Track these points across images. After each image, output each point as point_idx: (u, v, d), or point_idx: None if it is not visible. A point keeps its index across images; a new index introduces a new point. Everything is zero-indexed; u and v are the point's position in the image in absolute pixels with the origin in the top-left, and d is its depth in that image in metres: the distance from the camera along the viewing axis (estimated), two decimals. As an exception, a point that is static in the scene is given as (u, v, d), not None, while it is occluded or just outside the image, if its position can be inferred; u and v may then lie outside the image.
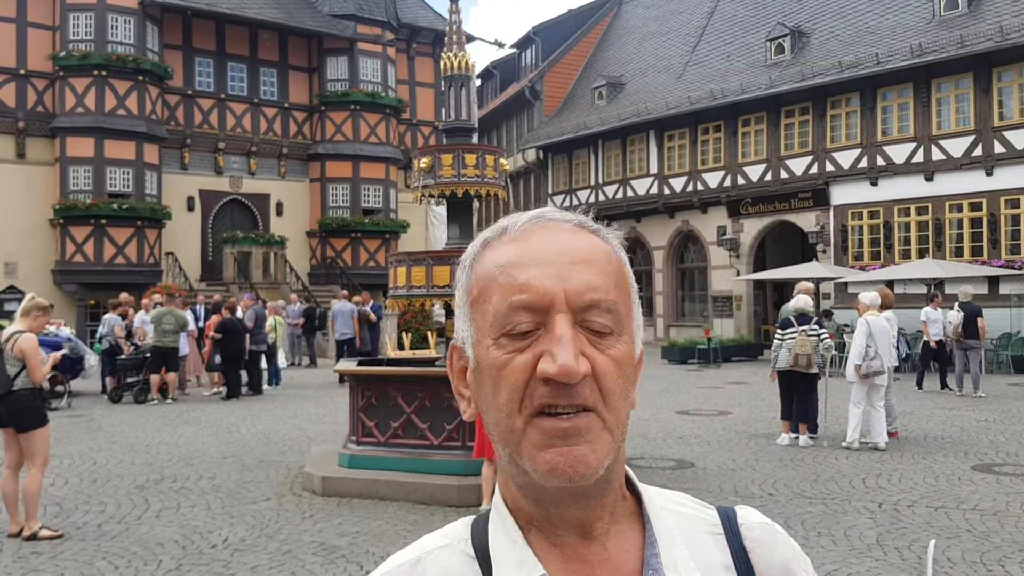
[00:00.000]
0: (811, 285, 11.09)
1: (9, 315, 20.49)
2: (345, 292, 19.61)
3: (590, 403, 0.79)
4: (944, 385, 15.28)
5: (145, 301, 16.68)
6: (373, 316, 18.70)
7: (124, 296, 17.11)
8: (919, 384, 15.55)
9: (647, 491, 0.91)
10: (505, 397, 0.81)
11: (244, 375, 15.69)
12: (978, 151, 20.63)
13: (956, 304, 14.71)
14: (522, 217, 0.88)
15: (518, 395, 0.80)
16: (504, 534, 0.86)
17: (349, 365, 9.25)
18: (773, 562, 0.91)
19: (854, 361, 9.65)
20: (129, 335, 15.50)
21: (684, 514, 0.91)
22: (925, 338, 15.50)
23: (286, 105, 29.16)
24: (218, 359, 15.19)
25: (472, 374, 0.86)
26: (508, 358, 0.81)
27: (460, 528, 0.91)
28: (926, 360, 15.80)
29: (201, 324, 17.04)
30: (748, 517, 0.93)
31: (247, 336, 15.40)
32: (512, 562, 0.84)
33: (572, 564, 0.85)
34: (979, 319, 14.28)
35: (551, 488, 0.81)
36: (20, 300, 19.30)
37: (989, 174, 20.46)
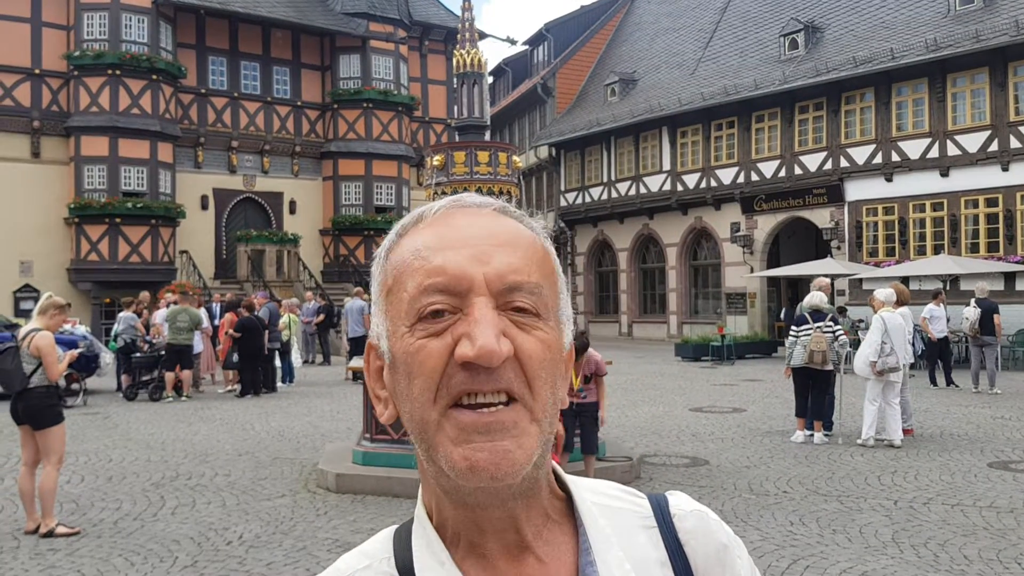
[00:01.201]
0: (827, 281, 11.04)
1: (25, 313, 20.66)
2: (358, 289, 19.62)
3: (515, 389, 0.74)
4: (950, 381, 15.22)
5: (162, 300, 16.78)
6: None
7: (143, 295, 17.22)
8: (933, 381, 15.45)
9: (576, 487, 0.85)
10: (420, 386, 0.75)
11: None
12: (994, 146, 20.47)
13: (973, 300, 14.62)
14: (439, 203, 0.83)
15: (433, 383, 0.74)
16: (430, 553, 0.79)
17: (361, 363, 9.26)
18: (708, 553, 0.86)
19: (870, 358, 9.59)
20: (147, 327, 15.60)
21: (616, 508, 0.86)
22: (927, 335, 15.43)
23: (299, 103, 29.24)
24: (235, 357, 15.25)
25: (388, 371, 0.80)
26: (422, 344, 0.75)
27: (380, 545, 0.84)
28: (932, 357, 15.72)
29: (216, 322, 17.11)
30: (680, 506, 0.88)
31: (265, 334, 15.48)
32: None
33: None
34: (996, 315, 14.19)
35: (472, 489, 0.75)
36: (36, 298, 19.39)
37: (1005, 169, 20.30)
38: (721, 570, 0.86)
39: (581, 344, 7.09)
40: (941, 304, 15.56)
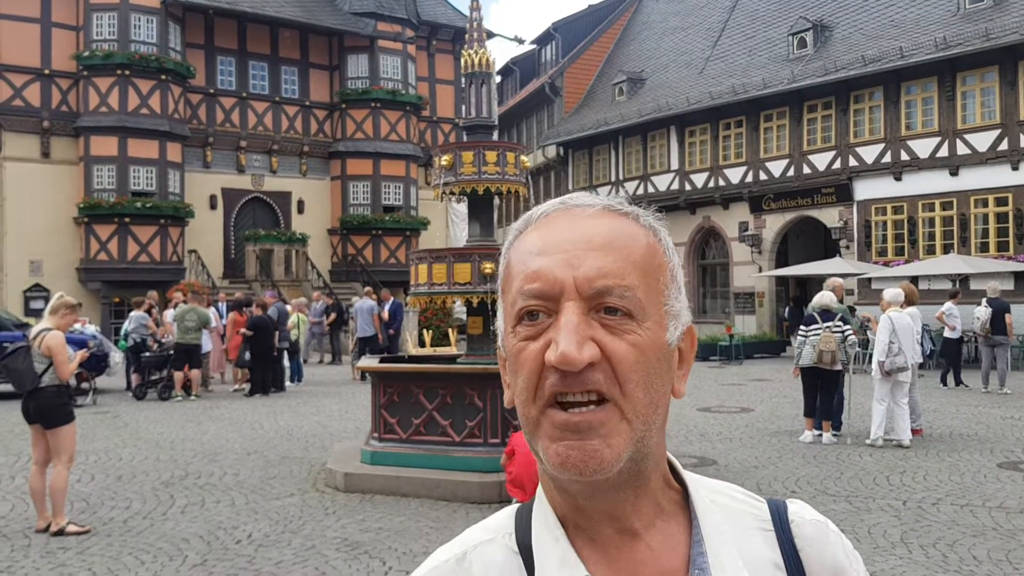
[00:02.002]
0: (840, 282, 11.01)
1: (35, 313, 20.76)
2: (368, 289, 19.63)
3: (604, 390, 0.77)
4: (959, 381, 15.16)
5: (173, 299, 16.84)
6: (385, 315, 18.69)
7: (151, 294, 17.30)
8: (943, 381, 15.39)
9: (694, 483, 0.88)
10: (522, 384, 0.80)
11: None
12: (1004, 145, 20.38)
13: (984, 300, 14.56)
14: (547, 204, 0.86)
15: (532, 383, 0.79)
16: (547, 530, 0.84)
17: (371, 362, 9.29)
18: (824, 561, 0.88)
19: (877, 358, 9.58)
20: (157, 327, 15.66)
21: (732, 508, 0.88)
22: (947, 333, 15.35)
23: (307, 103, 29.30)
24: (248, 355, 15.30)
25: (507, 363, 0.85)
26: (523, 345, 0.80)
27: (503, 521, 0.89)
28: (950, 357, 15.59)
29: (223, 321, 17.17)
30: (800, 513, 0.90)
31: (276, 333, 15.54)
32: (555, 561, 0.82)
33: (615, 563, 0.82)
34: (1007, 315, 14.13)
35: (569, 480, 0.80)
36: (45, 298, 19.40)
37: (1015, 168, 20.21)
38: None
39: None
40: (956, 304, 15.55)
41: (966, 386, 14.95)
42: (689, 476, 0.89)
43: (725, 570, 0.82)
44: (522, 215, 0.89)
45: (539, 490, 0.88)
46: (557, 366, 0.76)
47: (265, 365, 15.36)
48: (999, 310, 14.15)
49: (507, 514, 0.90)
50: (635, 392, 0.78)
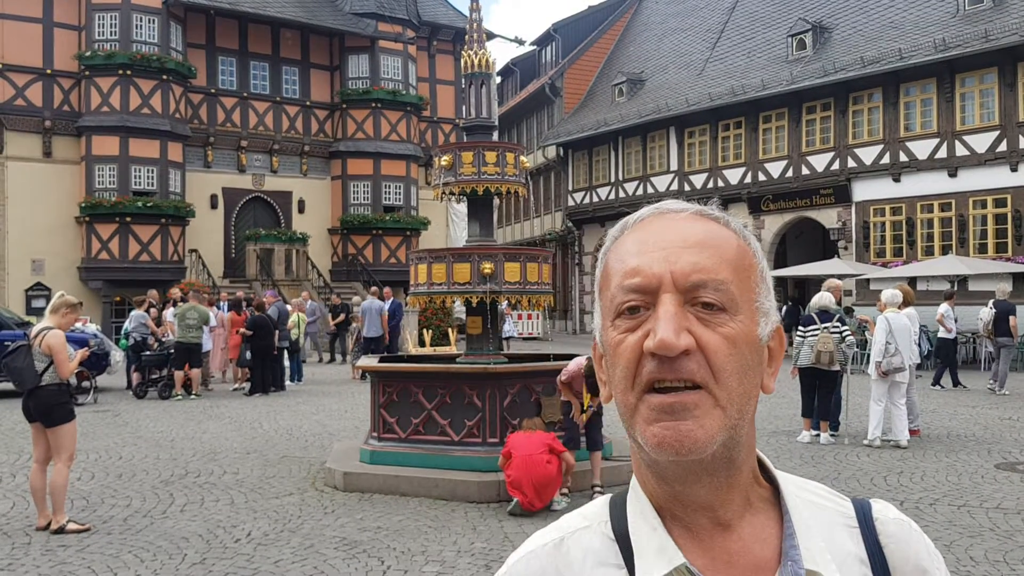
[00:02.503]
0: (839, 283, 11.03)
1: (37, 311, 20.78)
2: (374, 289, 19.58)
3: (698, 378, 0.81)
4: (957, 382, 15.18)
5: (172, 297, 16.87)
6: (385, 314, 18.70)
7: (151, 292, 17.33)
8: (937, 382, 15.34)
9: (784, 479, 0.92)
10: (620, 374, 0.84)
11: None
12: (1003, 147, 20.41)
13: (991, 301, 14.61)
14: (643, 211, 0.92)
15: (631, 372, 0.83)
16: (643, 519, 0.87)
17: (371, 362, 9.31)
18: (908, 558, 0.91)
19: (874, 359, 9.61)
20: (158, 325, 15.68)
21: (819, 505, 0.91)
22: (942, 334, 15.36)
23: (308, 103, 29.32)
24: (248, 355, 15.32)
25: (604, 359, 0.89)
26: (622, 337, 0.84)
27: (599, 509, 0.93)
28: (949, 358, 15.62)
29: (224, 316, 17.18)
30: (884, 512, 0.93)
31: (276, 332, 15.56)
32: (653, 549, 0.85)
33: (710, 553, 0.85)
34: (1012, 317, 14.15)
35: (667, 463, 0.83)
36: (47, 297, 19.41)
37: (1014, 170, 20.23)
38: None
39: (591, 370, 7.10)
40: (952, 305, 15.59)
41: (964, 387, 14.97)
42: (780, 474, 0.93)
43: (816, 563, 0.85)
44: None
45: (633, 481, 0.91)
46: (655, 352, 0.81)
47: (265, 364, 15.38)
48: (1003, 312, 14.17)
49: (602, 503, 0.94)
50: (728, 381, 0.82)
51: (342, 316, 21.35)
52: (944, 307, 15.43)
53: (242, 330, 15.32)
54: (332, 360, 21.93)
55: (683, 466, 0.83)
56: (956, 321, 15.76)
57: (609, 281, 0.88)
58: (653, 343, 0.80)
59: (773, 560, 0.86)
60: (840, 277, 22.33)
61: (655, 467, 0.86)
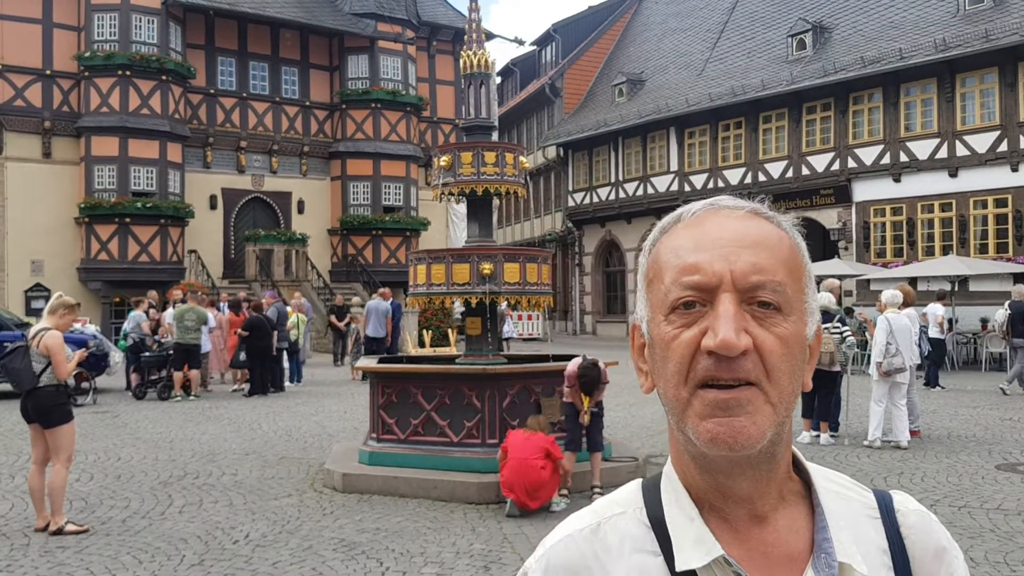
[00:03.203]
0: (837, 283, 11.02)
1: (36, 312, 20.76)
2: (384, 290, 19.49)
3: (752, 377, 0.82)
4: (936, 383, 15.20)
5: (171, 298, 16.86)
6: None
7: (151, 293, 17.31)
8: (928, 381, 15.23)
9: (815, 472, 0.94)
10: (673, 369, 0.85)
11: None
12: (1003, 146, 20.40)
13: (1006, 303, 14.64)
14: (697, 205, 0.91)
15: (684, 367, 0.84)
16: (679, 509, 0.89)
17: (370, 363, 9.30)
18: (928, 548, 0.93)
19: (875, 359, 9.59)
20: (157, 327, 15.66)
21: (845, 496, 0.94)
22: (933, 334, 15.38)
23: (307, 104, 29.32)
24: (243, 356, 15.30)
25: (648, 350, 0.90)
26: (676, 332, 0.85)
27: (632, 496, 0.93)
28: (940, 358, 15.63)
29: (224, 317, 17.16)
30: (905, 504, 0.96)
31: (275, 333, 15.54)
32: (691, 539, 0.86)
33: (746, 544, 0.87)
34: None
35: (715, 457, 0.84)
36: (46, 297, 19.41)
37: (1015, 170, 20.23)
38: (938, 566, 0.93)
39: (593, 377, 7.08)
40: (944, 305, 15.73)
41: (941, 388, 14.96)
42: (810, 467, 0.95)
43: (845, 553, 0.87)
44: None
45: (667, 469, 0.92)
46: (716, 351, 0.81)
47: (263, 365, 15.36)
48: (1019, 313, 14.17)
49: (634, 489, 0.95)
50: (780, 380, 0.84)
51: (349, 317, 21.26)
52: (935, 306, 15.51)
53: (239, 331, 15.30)
54: (338, 362, 21.83)
55: (731, 460, 0.85)
56: (957, 322, 15.78)
57: (662, 274, 0.88)
58: (714, 342, 0.81)
59: (806, 551, 0.88)
60: (840, 277, 22.33)
61: (701, 460, 0.87)
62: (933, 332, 15.42)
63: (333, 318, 21.40)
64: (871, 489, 0.96)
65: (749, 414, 0.82)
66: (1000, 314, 14.52)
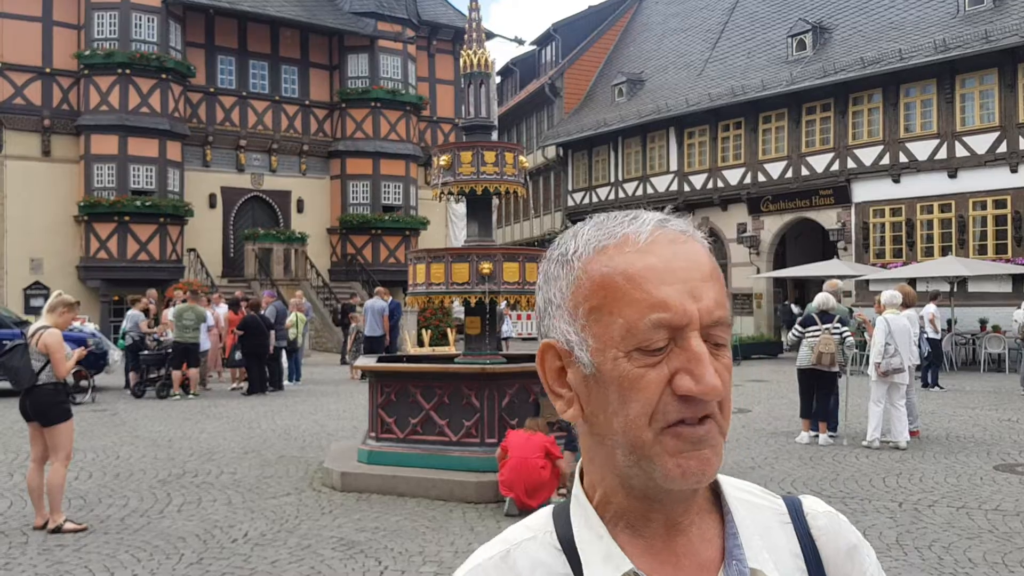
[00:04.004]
0: (840, 283, 11.03)
1: (35, 311, 20.76)
2: (380, 289, 19.48)
3: (711, 412, 0.83)
4: (931, 382, 15.26)
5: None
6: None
7: (150, 292, 17.31)
8: (925, 382, 15.21)
9: (724, 482, 0.94)
10: (637, 410, 0.82)
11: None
12: (1003, 147, 20.41)
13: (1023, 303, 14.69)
14: (643, 225, 0.86)
15: (649, 408, 0.81)
16: (588, 528, 0.88)
17: (369, 362, 9.30)
18: (839, 548, 0.94)
19: (874, 359, 9.60)
20: (156, 323, 15.66)
21: (755, 503, 0.94)
22: (930, 334, 15.40)
23: (307, 102, 29.31)
24: (238, 355, 15.30)
25: (586, 380, 0.85)
26: (641, 372, 0.81)
27: (542, 521, 0.93)
28: (937, 359, 15.67)
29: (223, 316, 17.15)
30: (814, 507, 0.97)
31: (272, 333, 15.52)
32: (600, 556, 0.86)
33: (657, 556, 0.87)
34: None
35: (667, 489, 0.84)
36: (45, 296, 19.37)
37: (1014, 171, 20.23)
38: (851, 566, 0.94)
39: None
40: (937, 306, 15.79)
41: (940, 388, 15.07)
42: (720, 476, 0.94)
43: (758, 560, 0.88)
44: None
45: (576, 491, 0.91)
46: (700, 396, 0.81)
47: (260, 364, 15.35)
48: None
49: (545, 514, 0.94)
50: (727, 409, 0.85)
51: (349, 316, 21.24)
52: (931, 307, 15.55)
53: (234, 330, 15.31)
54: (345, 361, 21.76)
55: (682, 491, 0.85)
56: (957, 322, 15.80)
57: (618, 305, 0.82)
58: (698, 388, 0.80)
59: (717, 560, 0.88)
60: (840, 278, 22.33)
61: (641, 490, 0.85)
62: (931, 333, 15.46)
63: (327, 316, 21.39)
64: (781, 495, 0.97)
65: (712, 446, 0.83)
66: (1019, 314, 14.54)
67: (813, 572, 0.92)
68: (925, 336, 15.12)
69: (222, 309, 17.37)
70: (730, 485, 0.94)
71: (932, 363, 15.54)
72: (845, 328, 10.08)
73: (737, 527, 0.89)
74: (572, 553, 0.87)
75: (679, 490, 0.85)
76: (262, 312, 15.75)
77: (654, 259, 0.83)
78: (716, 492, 0.93)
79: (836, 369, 9.88)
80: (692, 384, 0.80)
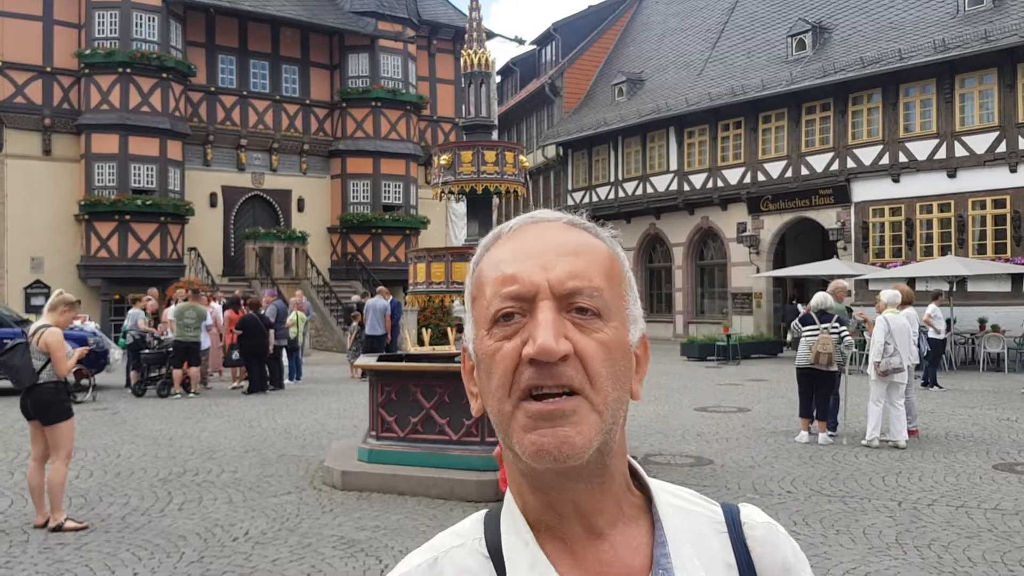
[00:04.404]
0: (845, 284, 11.04)
1: (35, 309, 20.78)
2: (382, 288, 19.48)
3: (576, 384, 0.81)
4: (934, 382, 15.22)
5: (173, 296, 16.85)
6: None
7: (151, 291, 17.32)
8: (927, 382, 15.20)
9: (656, 487, 0.93)
10: (497, 382, 0.83)
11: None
12: (1002, 147, 20.41)
13: None
14: (515, 220, 0.92)
15: (508, 380, 0.82)
16: (516, 534, 0.87)
17: (369, 361, 9.31)
18: (775, 561, 0.92)
19: (873, 359, 9.61)
20: (156, 323, 15.66)
21: (690, 511, 0.93)
22: (932, 334, 15.41)
23: (307, 102, 29.32)
24: (236, 355, 15.31)
25: (477, 371, 0.88)
26: (498, 345, 0.84)
27: (472, 526, 0.92)
28: (936, 359, 15.65)
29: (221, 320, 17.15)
30: (751, 516, 0.95)
31: (271, 332, 15.53)
32: (525, 564, 0.85)
33: (583, 563, 0.86)
34: None
35: (543, 471, 0.83)
36: (46, 295, 19.36)
37: (1013, 171, 20.23)
38: None
39: None
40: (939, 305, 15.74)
41: (939, 387, 15.05)
42: (651, 481, 0.93)
43: (686, 570, 0.86)
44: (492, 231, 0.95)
45: (507, 496, 0.91)
46: (536, 357, 0.80)
47: (260, 364, 15.36)
48: None
49: (476, 519, 0.93)
50: (604, 386, 0.83)
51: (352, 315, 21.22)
52: (931, 307, 15.53)
53: (233, 329, 15.32)
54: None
55: (559, 473, 0.83)
56: (956, 322, 15.78)
57: (483, 289, 0.87)
58: (533, 349, 0.80)
59: (644, 568, 0.87)
60: (840, 278, 22.35)
61: (532, 477, 0.85)
62: (932, 333, 15.45)
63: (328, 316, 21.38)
64: (719, 503, 0.96)
65: (574, 423, 0.81)
66: None
67: None
68: (927, 336, 15.14)
69: (216, 308, 17.38)
70: (664, 491, 0.93)
71: (932, 363, 15.57)
72: (843, 327, 10.09)
73: (667, 535, 0.88)
74: (499, 561, 0.86)
75: (561, 474, 0.83)
76: (262, 311, 15.76)
77: (514, 243, 0.88)
78: (650, 498, 0.91)
79: (835, 368, 9.89)
80: (530, 346, 0.81)
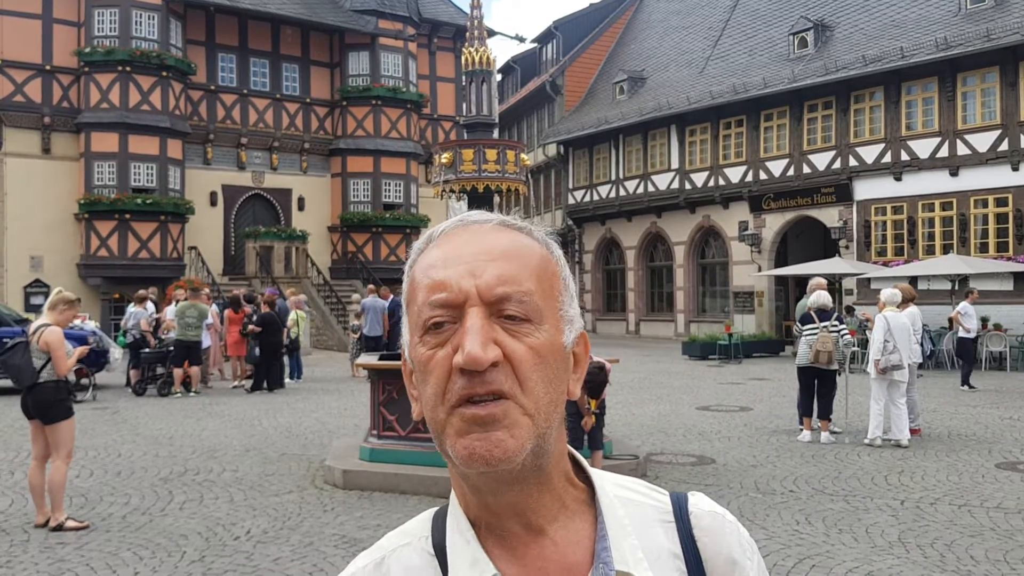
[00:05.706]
0: (824, 280, 11.00)
1: (35, 308, 20.77)
2: (383, 289, 19.47)
3: (505, 389, 0.81)
4: (967, 382, 15.06)
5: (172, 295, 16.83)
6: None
7: (151, 289, 17.30)
8: (965, 383, 14.94)
9: (599, 479, 0.92)
10: (431, 390, 0.83)
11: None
12: (1004, 146, 20.39)
13: None
14: (447, 222, 0.91)
15: (441, 387, 0.82)
16: (458, 532, 0.88)
17: (370, 360, 9.29)
18: (720, 551, 0.91)
19: (872, 357, 9.60)
20: (158, 326, 15.64)
21: (636, 502, 0.92)
22: (962, 333, 15.21)
23: (308, 100, 29.29)
24: (258, 351, 15.28)
25: (414, 375, 0.88)
26: (431, 353, 0.84)
27: (419, 525, 0.93)
28: (967, 357, 15.31)
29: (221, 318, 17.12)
30: (699, 505, 0.94)
31: (284, 330, 15.62)
32: (466, 561, 0.85)
33: (523, 560, 0.86)
34: None
35: (478, 474, 0.83)
36: (46, 294, 19.34)
37: (1015, 169, 20.22)
38: (731, 568, 0.92)
39: (600, 381, 7.11)
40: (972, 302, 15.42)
41: (973, 388, 14.82)
42: (595, 473, 0.92)
43: (627, 562, 0.85)
44: (423, 235, 0.94)
45: (452, 495, 0.91)
46: (464, 367, 0.80)
47: (271, 362, 15.41)
48: None
49: (424, 518, 0.94)
50: (535, 390, 0.83)
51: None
52: (963, 305, 15.30)
53: (251, 327, 15.30)
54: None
55: (494, 476, 0.83)
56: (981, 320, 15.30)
57: (415, 295, 0.86)
58: (462, 358, 0.80)
59: (586, 563, 0.86)
60: (841, 276, 22.42)
61: (468, 479, 0.86)
62: (962, 332, 15.16)
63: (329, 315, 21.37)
64: (668, 492, 0.95)
65: (506, 428, 0.81)
66: None
67: (693, 573, 0.89)
68: (927, 334, 15.00)
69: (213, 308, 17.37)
70: (609, 483, 0.92)
71: (966, 361, 15.23)
72: (843, 326, 10.08)
73: (607, 528, 0.87)
74: (443, 558, 0.87)
75: (495, 478, 0.83)
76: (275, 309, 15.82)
77: (444, 249, 0.87)
78: (594, 490, 0.91)
79: (835, 367, 9.87)
80: (459, 355, 0.80)
